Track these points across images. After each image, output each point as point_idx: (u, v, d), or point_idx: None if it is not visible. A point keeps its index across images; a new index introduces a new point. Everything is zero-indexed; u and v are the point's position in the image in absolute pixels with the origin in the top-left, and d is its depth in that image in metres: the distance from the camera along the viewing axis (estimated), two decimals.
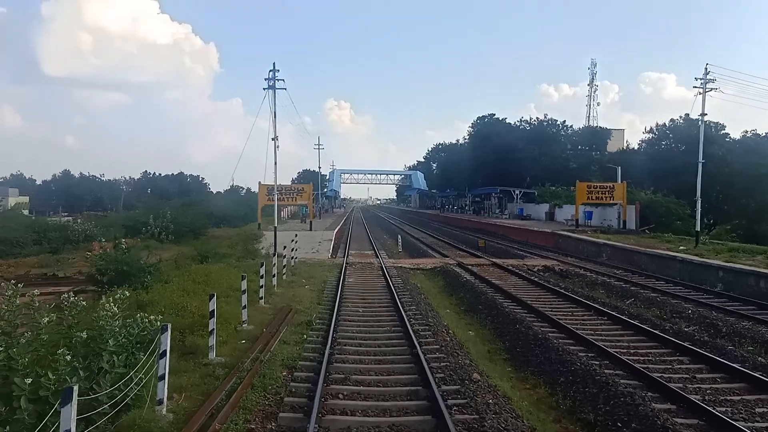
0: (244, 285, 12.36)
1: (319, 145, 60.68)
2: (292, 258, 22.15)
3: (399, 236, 34.68)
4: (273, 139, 24.40)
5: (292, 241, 23.19)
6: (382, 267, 22.79)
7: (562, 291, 17.23)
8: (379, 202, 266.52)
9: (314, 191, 71.85)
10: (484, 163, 68.81)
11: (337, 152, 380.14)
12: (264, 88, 24.36)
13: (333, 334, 11.46)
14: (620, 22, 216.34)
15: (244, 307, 11.93)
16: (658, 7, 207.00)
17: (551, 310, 14.48)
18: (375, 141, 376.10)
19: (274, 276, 16.80)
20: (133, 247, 19.02)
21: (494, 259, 25.97)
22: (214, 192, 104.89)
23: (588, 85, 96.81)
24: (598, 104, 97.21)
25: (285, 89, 24.59)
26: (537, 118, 66.97)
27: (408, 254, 32.81)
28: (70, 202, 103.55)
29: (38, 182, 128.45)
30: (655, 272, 21.98)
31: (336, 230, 39.42)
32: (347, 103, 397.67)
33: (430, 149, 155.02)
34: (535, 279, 19.95)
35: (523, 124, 69.89)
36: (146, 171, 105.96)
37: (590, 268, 23.36)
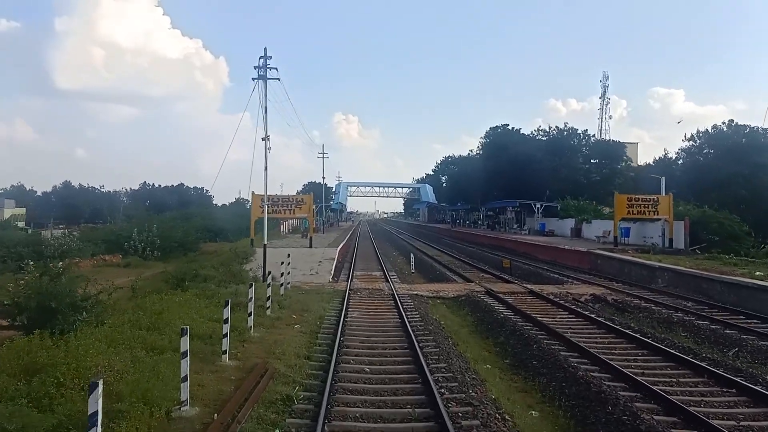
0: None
1: (323, 153, 56.84)
2: (282, 284, 17.85)
3: (411, 254, 30.46)
4: (263, 139, 20.33)
5: (283, 263, 18.90)
6: (393, 295, 18.46)
7: (638, 337, 12.79)
8: (386, 215, 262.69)
9: (318, 203, 67.85)
10: (499, 174, 64.50)
11: (345, 166, 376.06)
12: (253, 78, 20.34)
13: (324, 426, 7.15)
14: (628, 38, 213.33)
15: (185, 379, 7.57)
16: (666, 23, 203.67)
17: (643, 373, 10.07)
18: (382, 155, 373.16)
19: (251, 314, 12.48)
20: (72, 273, 14.75)
21: (528, 285, 21.59)
22: (219, 205, 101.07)
23: (600, 98, 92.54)
24: (610, 117, 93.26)
25: (278, 79, 20.56)
26: (556, 126, 62.90)
27: (423, 276, 28.44)
28: (68, 213, 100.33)
29: (38, 193, 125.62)
30: (736, 305, 17.49)
31: (340, 246, 35.17)
32: (355, 116, 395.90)
33: (439, 162, 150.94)
34: (591, 315, 15.52)
35: (540, 133, 65.67)
36: (145, 182, 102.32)
37: (651, 298, 18.90)
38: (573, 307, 16.84)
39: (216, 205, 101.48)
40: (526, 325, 14.08)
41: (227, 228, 52.56)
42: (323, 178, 56.37)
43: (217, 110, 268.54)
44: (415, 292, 19.53)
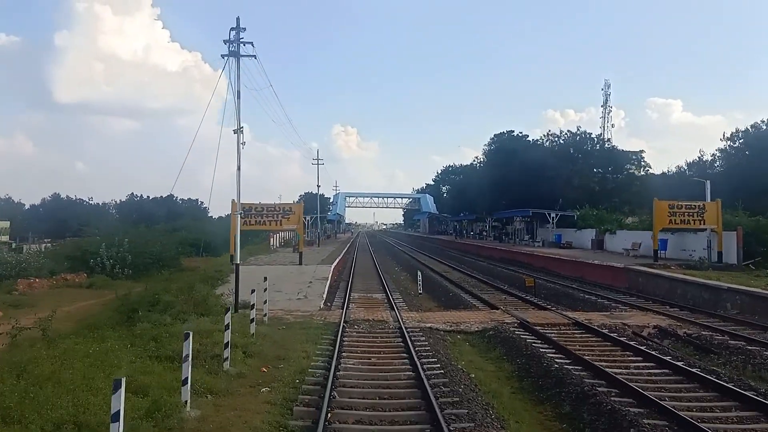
0: None
1: (318, 160, 52.50)
2: (253, 319, 13.51)
3: (418, 272, 26.23)
4: (235, 131, 16.11)
5: (253, 292, 14.58)
6: (401, 330, 14.18)
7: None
8: (385, 226, 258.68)
9: (314, 214, 63.63)
10: (507, 183, 60.36)
11: (344, 178, 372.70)
12: (223, 55, 16.14)
13: None
14: (626, 48, 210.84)
15: None
16: (663, 33, 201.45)
17: None
18: (381, 166, 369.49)
19: (186, 381, 8.13)
20: None
21: (568, 312, 17.28)
22: (215, 217, 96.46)
23: (602, 106, 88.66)
24: (613, 126, 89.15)
25: (254, 56, 16.36)
26: (568, 131, 58.86)
27: (433, 298, 24.15)
28: (57, 227, 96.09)
29: (26, 206, 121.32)
30: None
31: (336, 262, 30.86)
32: (354, 128, 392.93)
33: (439, 171, 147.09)
34: (680, 363, 11.18)
35: (549, 138, 61.63)
36: (133, 193, 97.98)
37: (734, 331, 14.60)
38: (643, 348, 12.51)
39: (211, 217, 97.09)
40: (597, 383, 9.75)
41: (216, 242, 48.17)
42: (318, 186, 52.28)
43: (217, 123, 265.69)
44: (428, 325, 15.21)
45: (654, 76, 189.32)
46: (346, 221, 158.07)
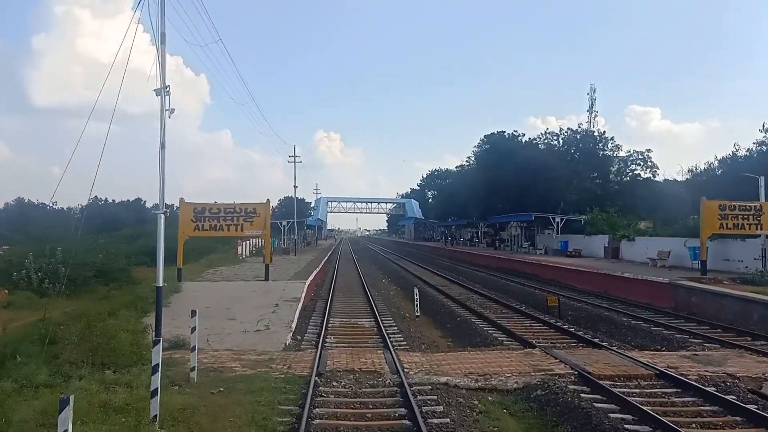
0: None
1: (295, 156, 46.81)
2: (192, 364, 8.25)
3: (415, 289, 21.16)
4: (158, 93, 10.88)
5: (193, 329, 9.34)
6: (404, 391, 9.10)
7: None
8: (368, 233, 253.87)
9: (291, 219, 58.16)
10: (501, 185, 55.63)
11: (327, 184, 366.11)
12: None
13: None
14: (606, 56, 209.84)
15: None
16: (641, 42, 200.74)
17: None
18: (365, 172, 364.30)
19: None
20: None
21: (633, 353, 12.32)
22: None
23: (587, 111, 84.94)
24: (599, 130, 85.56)
25: None
26: (569, 129, 54.39)
27: (436, 325, 19.06)
28: (16, 231, 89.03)
29: None
30: None
31: (313, 275, 25.63)
32: (337, 134, 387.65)
33: (425, 175, 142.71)
34: None
35: (547, 137, 57.12)
36: (97, 197, 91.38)
37: None
38: None
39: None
40: None
41: (184, 250, 42.44)
42: (295, 187, 46.52)
43: (198, 128, 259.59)
44: (443, 379, 10.11)
45: (633, 84, 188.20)
46: (329, 227, 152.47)
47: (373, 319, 17.88)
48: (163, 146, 11.07)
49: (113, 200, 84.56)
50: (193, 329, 9.66)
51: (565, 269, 30.62)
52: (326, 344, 13.81)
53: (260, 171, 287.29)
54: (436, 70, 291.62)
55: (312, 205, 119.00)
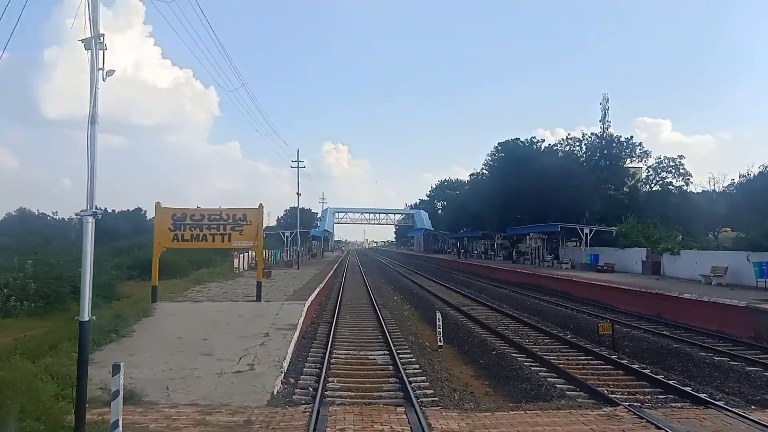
0: None
1: (298, 161, 43.08)
2: None
3: (438, 313, 17.61)
4: (90, 45, 7.53)
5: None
6: None
7: None
8: (375, 244, 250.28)
9: (297, 229, 54.79)
10: (518, 195, 51.95)
11: (335, 195, 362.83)
12: None
13: None
14: (615, 68, 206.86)
15: None
16: (651, 54, 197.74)
17: None
18: (371, 185, 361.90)
19: None
20: None
21: (756, 414, 8.68)
22: None
23: (600, 121, 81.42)
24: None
25: None
26: (592, 133, 50.69)
27: (466, 360, 15.42)
28: (17, 242, 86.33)
29: None
30: None
31: (316, 293, 22.15)
32: (345, 146, 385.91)
33: (434, 186, 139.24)
34: None
35: (569, 142, 53.40)
36: (97, 207, 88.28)
37: None
38: None
39: None
40: None
41: (178, 262, 39.10)
42: (298, 194, 42.79)
43: (206, 140, 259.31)
44: None
45: (643, 96, 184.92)
46: (335, 238, 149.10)
47: (387, 352, 14.33)
48: (93, 121, 7.70)
49: (113, 210, 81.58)
50: (116, 394, 6.18)
51: (602, 287, 26.94)
52: (327, 394, 10.29)
53: (267, 182, 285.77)
54: (443, 83, 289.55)
55: (318, 215, 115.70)
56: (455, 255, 76.42)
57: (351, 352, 14.61)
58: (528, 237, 48.67)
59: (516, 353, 14.53)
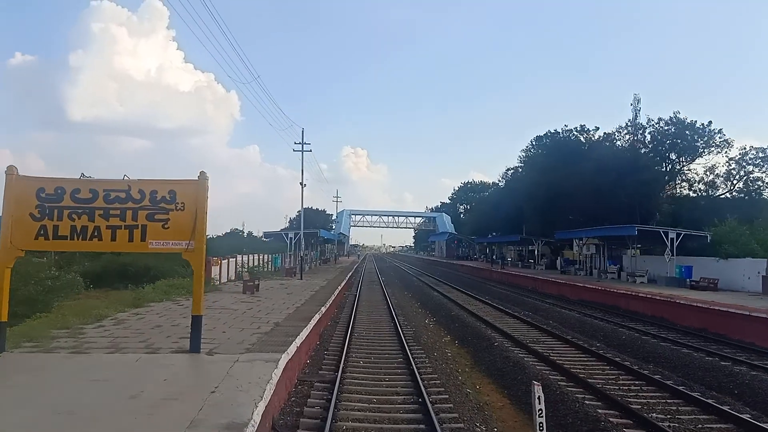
0: None
1: (302, 143, 34.69)
2: None
3: (535, 387, 9.75)
4: None
5: None
6: None
7: None
8: (393, 249, 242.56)
9: (310, 229, 47.19)
10: (565, 194, 43.64)
11: (353, 199, 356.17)
12: None
13: None
14: (637, 73, 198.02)
15: None
16: (663, 57, 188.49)
17: None
18: (390, 189, 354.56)
19: None
20: None
21: None
22: (214, 236, 78.16)
23: (629, 122, 72.69)
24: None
25: None
26: (659, 118, 41.96)
27: None
28: None
29: None
30: None
31: (309, 329, 14.38)
32: (364, 150, 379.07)
33: (456, 188, 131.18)
34: None
35: (628, 130, 44.78)
36: None
37: None
38: None
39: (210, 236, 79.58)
40: None
41: (164, 266, 31.55)
42: (302, 184, 34.47)
43: (226, 144, 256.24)
44: None
45: (663, 103, 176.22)
46: (351, 242, 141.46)
47: None
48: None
49: None
50: None
51: (724, 314, 18.68)
52: None
53: (286, 185, 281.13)
54: (462, 89, 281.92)
55: (333, 217, 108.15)
56: (484, 261, 68.13)
57: None
58: (580, 242, 40.30)
59: None
